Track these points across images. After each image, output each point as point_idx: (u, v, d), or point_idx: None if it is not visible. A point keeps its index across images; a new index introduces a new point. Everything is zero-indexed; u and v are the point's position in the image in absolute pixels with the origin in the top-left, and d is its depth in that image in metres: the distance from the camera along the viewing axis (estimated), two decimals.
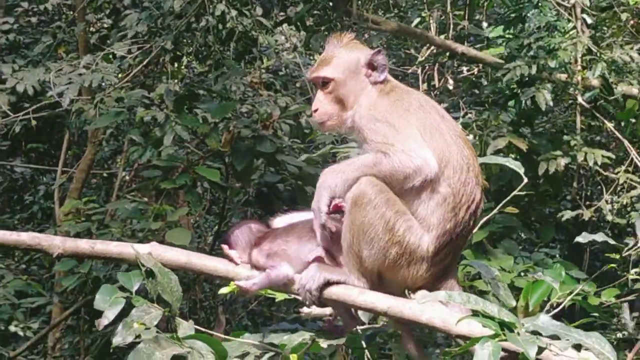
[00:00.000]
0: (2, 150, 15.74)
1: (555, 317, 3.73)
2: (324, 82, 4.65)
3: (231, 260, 4.53)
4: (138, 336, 3.76)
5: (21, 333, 11.37)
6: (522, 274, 9.13)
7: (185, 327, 3.92)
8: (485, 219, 5.61)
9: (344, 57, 4.66)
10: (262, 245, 4.57)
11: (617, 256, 9.80)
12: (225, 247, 4.61)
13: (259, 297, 15.43)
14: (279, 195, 11.05)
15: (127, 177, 13.76)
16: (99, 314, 3.91)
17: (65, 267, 10.87)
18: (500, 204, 5.51)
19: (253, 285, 4.37)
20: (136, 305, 3.88)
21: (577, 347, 3.60)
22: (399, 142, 4.29)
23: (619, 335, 10.43)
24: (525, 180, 5.00)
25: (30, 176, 16.98)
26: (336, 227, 4.33)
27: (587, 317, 7.78)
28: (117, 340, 3.76)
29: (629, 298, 9.64)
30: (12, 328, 11.33)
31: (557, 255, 11.34)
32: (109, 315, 3.85)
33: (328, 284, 4.30)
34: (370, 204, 4.24)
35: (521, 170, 4.98)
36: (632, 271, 10.08)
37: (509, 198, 5.37)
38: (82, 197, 12.25)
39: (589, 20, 11.41)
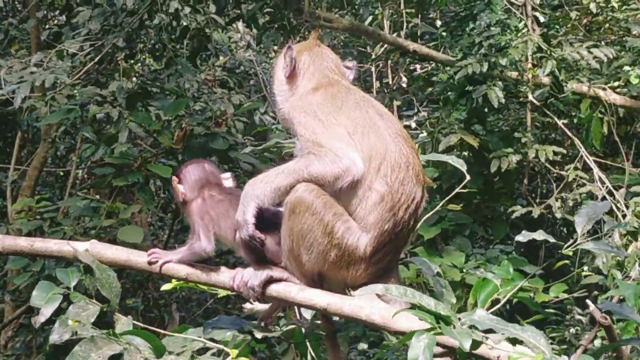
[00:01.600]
0: None
1: (501, 313, 3.77)
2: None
3: (178, 195, 4.59)
4: (75, 333, 3.74)
5: None
6: (473, 271, 9.19)
7: (124, 323, 3.92)
8: (428, 215, 5.64)
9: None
10: (212, 191, 4.57)
11: (571, 253, 9.92)
12: (175, 180, 4.63)
13: (214, 295, 15.46)
14: None
15: (81, 175, 13.69)
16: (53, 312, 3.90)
17: (17, 265, 10.82)
18: (443, 201, 5.55)
19: (173, 256, 4.39)
20: (74, 302, 3.86)
21: (514, 341, 3.64)
22: (327, 141, 4.30)
23: (572, 330, 10.51)
24: (468, 177, 4.99)
25: None
26: (262, 237, 4.35)
27: (538, 314, 7.90)
28: (53, 338, 3.75)
29: (579, 295, 9.72)
30: None
31: (513, 252, 11.42)
32: (46, 313, 3.83)
33: (270, 280, 4.32)
34: (309, 210, 4.25)
35: (464, 168, 4.96)
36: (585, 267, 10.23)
37: (451, 195, 5.39)
38: (35, 194, 12.19)
39: (542, 19, 11.52)
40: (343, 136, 4.34)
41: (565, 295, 9.50)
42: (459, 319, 3.57)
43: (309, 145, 4.33)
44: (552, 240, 4.98)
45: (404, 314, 3.74)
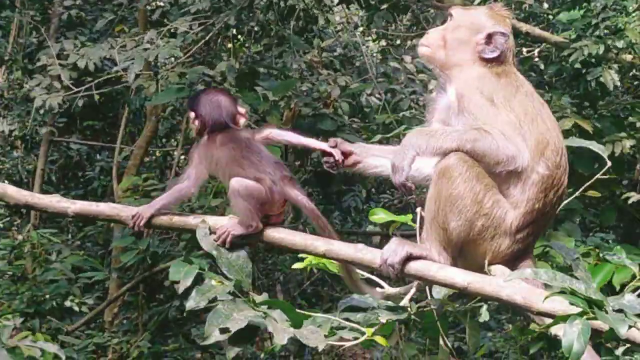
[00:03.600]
0: (59, 128, 15.80)
1: None
2: (449, 16, 4.70)
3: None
4: (210, 301, 3.79)
5: (76, 308, 11.47)
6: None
7: (260, 299, 3.92)
8: (566, 201, 5.54)
9: (477, 15, 4.65)
10: (223, 133, 4.51)
11: None
12: (192, 115, 4.59)
13: (312, 276, 15.53)
14: (336, 175, 11.07)
15: (184, 156, 13.78)
16: (158, 289, 3.98)
17: (123, 243, 10.98)
18: (583, 187, 5.44)
19: (153, 207, 4.34)
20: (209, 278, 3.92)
21: None
22: (500, 125, 4.26)
23: None
24: (609, 164, 4.92)
25: (87, 153, 17.05)
26: (413, 187, 4.28)
27: None
28: (190, 305, 3.78)
29: None
30: (67, 303, 11.43)
31: (611, 241, 11.27)
32: (186, 282, 3.89)
33: (410, 258, 4.22)
34: (461, 176, 4.20)
35: (604, 152, 4.89)
36: None
37: (592, 181, 5.30)
38: (140, 174, 12.30)
39: None
40: (514, 124, 4.29)
41: None
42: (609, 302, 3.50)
43: (482, 124, 4.28)
44: None
45: (551, 297, 3.61)
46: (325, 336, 3.98)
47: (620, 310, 3.41)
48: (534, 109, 4.40)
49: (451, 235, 4.27)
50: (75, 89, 11.18)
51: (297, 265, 4.70)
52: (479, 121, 4.29)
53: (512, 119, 4.32)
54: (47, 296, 11.33)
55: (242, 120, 4.66)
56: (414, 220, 4.84)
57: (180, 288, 3.90)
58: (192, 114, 4.58)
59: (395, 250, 4.22)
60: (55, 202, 4.26)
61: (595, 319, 3.38)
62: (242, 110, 4.72)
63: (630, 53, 10.87)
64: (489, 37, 4.52)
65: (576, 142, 5.26)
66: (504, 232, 4.30)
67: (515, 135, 4.27)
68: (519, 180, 4.30)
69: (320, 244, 4.28)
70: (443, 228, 4.27)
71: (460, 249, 4.34)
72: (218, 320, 3.65)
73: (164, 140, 15.44)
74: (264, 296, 4.06)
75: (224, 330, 3.64)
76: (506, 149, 4.21)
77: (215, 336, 3.64)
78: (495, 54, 4.51)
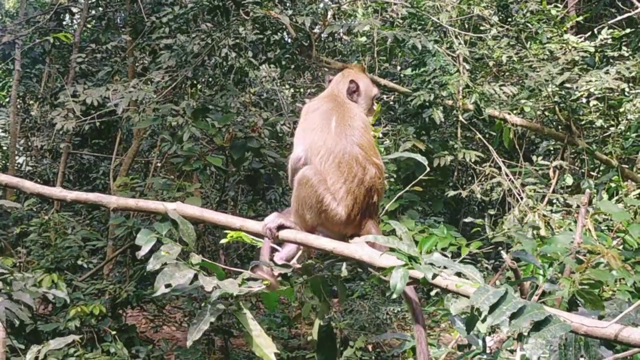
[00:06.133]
0: (74, 144, 15.59)
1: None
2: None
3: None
4: (164, 264, 3.66)
5: (85, 265, 11.29)
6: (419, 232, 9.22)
7: (196, 258, 3.87)
8: (397, 196, 5.62)
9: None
10: None
11: (481, 222, 9.95)
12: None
13: (245, 244, 15.53)
14: (261, 177, 11.10)
15: (159, 164, 13.65)
16: (139, 250, 3.83)
17: (117, 221, 10.83)
18: (409, 186, 5.52)
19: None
20: (164, 243, 3.84)
21: (459, 275, 3.61)
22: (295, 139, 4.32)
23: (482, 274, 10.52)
24: (428, 169, 4.96)
25: (94, 161, 16.87)
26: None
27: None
28: (149, 267, 3.65)
29: (487, 250, 9.73)
30: (79, 262, 11.25)
31: (441, 222, 11.54)
32: (145, 249, 3.75)
33: (283, 227, 4.18)
34: (309, 183, 4.17)
35: (425, 162, 4.95)
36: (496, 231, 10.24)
37: (415, 182, 5.38)
38: (129, 175, 12.18)
39: (467, 66, 11.55)
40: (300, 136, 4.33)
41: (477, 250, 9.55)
42: (423, 258, 3.54)
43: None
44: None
45: (385, 255, 3.69)
46: (239, 285, 3.83)
47: (430, 264, 3.45)
48: (324, 121, 4.28)
49: (307, 222, 4.25)
50: (84, 118, 11.07)
51: (223, 241, 4.39)
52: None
53: (298, 131, 4.33)
54: (65, 257, 11.14)
55: None
56: None
57: (140, 253, 3.77)
58: None
59: (273, 220, 4.18)
60: (58, 192, 4.20)
61: (413, 268, 3.43)
62: None
63: (450, 100, 11.11)
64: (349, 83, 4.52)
65: (405, 154, 5.27)
66: (340, 220, 4.23)
67: (297, 144, 4.30)
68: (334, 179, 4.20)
69: (236, 221, 4.25)
70: (302, 218, 4.25)
71: (317, 228, 4.30)
72: (164, 278, 3.54)
73: (145, 152, 15.25)
74: (199, 257, 4.00)
75: (168, 286, 3.52)
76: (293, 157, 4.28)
77: (161, 290, 3.51)
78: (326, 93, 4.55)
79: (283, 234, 4.18)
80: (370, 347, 11.38)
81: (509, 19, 11.77)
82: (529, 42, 11.64)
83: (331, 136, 4.20)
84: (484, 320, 3.01)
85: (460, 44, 11.14)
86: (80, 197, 4.24)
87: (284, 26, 11.04)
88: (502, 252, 5.07)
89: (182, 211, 4.18)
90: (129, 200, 4.26)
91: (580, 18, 13.13)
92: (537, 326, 2.89)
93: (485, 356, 4.31)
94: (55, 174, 15.36)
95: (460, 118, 11.20)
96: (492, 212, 11.71)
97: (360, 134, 4.29)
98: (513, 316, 2.93)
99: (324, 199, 4.16)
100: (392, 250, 3.59)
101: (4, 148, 16.23)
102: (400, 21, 11.42)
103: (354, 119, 4.33)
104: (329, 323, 4.61)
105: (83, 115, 11.06)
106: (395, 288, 3.31)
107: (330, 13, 12.34)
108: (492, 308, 2.98)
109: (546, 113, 11.66)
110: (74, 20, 16.53)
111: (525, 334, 2.93)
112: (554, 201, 10.78)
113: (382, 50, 11.88)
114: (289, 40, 11.55)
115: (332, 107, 4.36)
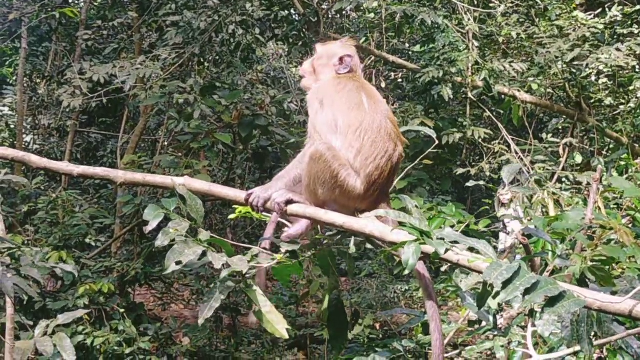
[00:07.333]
0: (82, 122, 15.58)
1: None
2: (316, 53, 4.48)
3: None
4: (173, 240, 3.57)
5: (93, 243, 11.31)
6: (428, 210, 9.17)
7: (205, 235, 3.81)
8: (405, 171, 5.54)
9: (332, 47, 4.46)
10: None
11: (490, 201, 9.90)
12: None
13: (254, 221, 15.53)
14: (268, 155, 11.06)
15: (166, 142, 13.63)
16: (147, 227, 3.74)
17: (125, 199, 10.82)
18: (418, 159, 5.44)
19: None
20: (172, 219, 3.77)
21: (471, 250, 3.57)
22: (319, 125, 4.10)
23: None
24: (437, 142, 4.79)
25: (101, 140, 16.87)
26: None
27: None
28: (158, 244, 3.57)
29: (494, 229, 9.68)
30: (87, 240, 11.27)
31: (449, 201, 11.49)
32: (153, 224, 3.65)
33: (291, 202, 4.06)
34: (323, 159, 4.03)
35: (434, 134, 4.82)
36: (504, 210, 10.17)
37: (423, 156, 5.30)
38: (136, 153, 12.15)
39: (476, 43, 11.44)
40: (329, 122, 4.11)
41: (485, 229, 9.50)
42: (434, 233, 3.50)
43: (310, 135, 4.18)
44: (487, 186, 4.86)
45: (396, 230, 3.63)
46: (249, 262, 3.74)
47: (441, 239, 3.39)
48: (356, 99, 4.15)
49: (319, 197, 4.12)
50: (91, 95, 11.01)
51: (232, 216, 4.31)
52: (310, 123, 4.16)
53: (329, 116, 4.13)
54: (73, 235, 11.17)
55: None
56: None
57: (148, 228, 3.69)
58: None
59: (281, 194, 4.08)
60: (65, 166, 4.09)
61: (425, 244, 3.37)
62: None
63: (459, 77, 11.01)
64: (341, 60, 4.34)
65: (414, 127, 5.19)
66: (357, 195, 4.11)
67: (327, 132, 4.10)
68: (353, 155, 4.09)
69: (244, 195, 4.12)
70: (313, 193, 4.13)
71: (327, 204, 4.15)
72: (174, 256, 3.47)
73: (153, 131, 15.23)
74: (207, 233, 3.94)
75: (178, 263, 3.46)
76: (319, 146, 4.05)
77: (172, 267, 3.45)
78: (346, 70, 4.34)
79: (292, 208, 4.07)
80: (377, 326, 11.39)
81: None
82: (538, 19, 11.50)
83: (368, 114, 4.11)
84: (496, 296, 2.97)
85: (469, 20, 11.02)
86: (88, 171, 4.11)
87: (291, 2, 10.94)
88: (506, 223, 4.99)
89: (190, 186, 4.08)
90: (136, 175, 4.16)
91: None
92: (551, 302, 2.85)
93: (496, 332, 4.28)
94: (62, 152, 15.35)
95: (470, 95, 11.11)
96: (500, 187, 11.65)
97: (387, 107, 4.26)
98: (527, 292, 2.87)
99: (339, 174, 4.06)
100: (401, 224, 3.53)
101: (12, 126, 16.21)
102: None
103: (375, 92, 4.29)
104: (338, 297, 4.57)
105: (90, 93, 10.99)
106: (407, 264, 3.26)
107: None
108: (506, 283, 2.93)
109: (556, 90, 11.55)
110: None
111: (539, 310, 2.88)
112: (563, 179, 10.71)
113: (391, 26, 11.77)
114: (297, 17, 11.45)
115: (356, 86, 4.25)
